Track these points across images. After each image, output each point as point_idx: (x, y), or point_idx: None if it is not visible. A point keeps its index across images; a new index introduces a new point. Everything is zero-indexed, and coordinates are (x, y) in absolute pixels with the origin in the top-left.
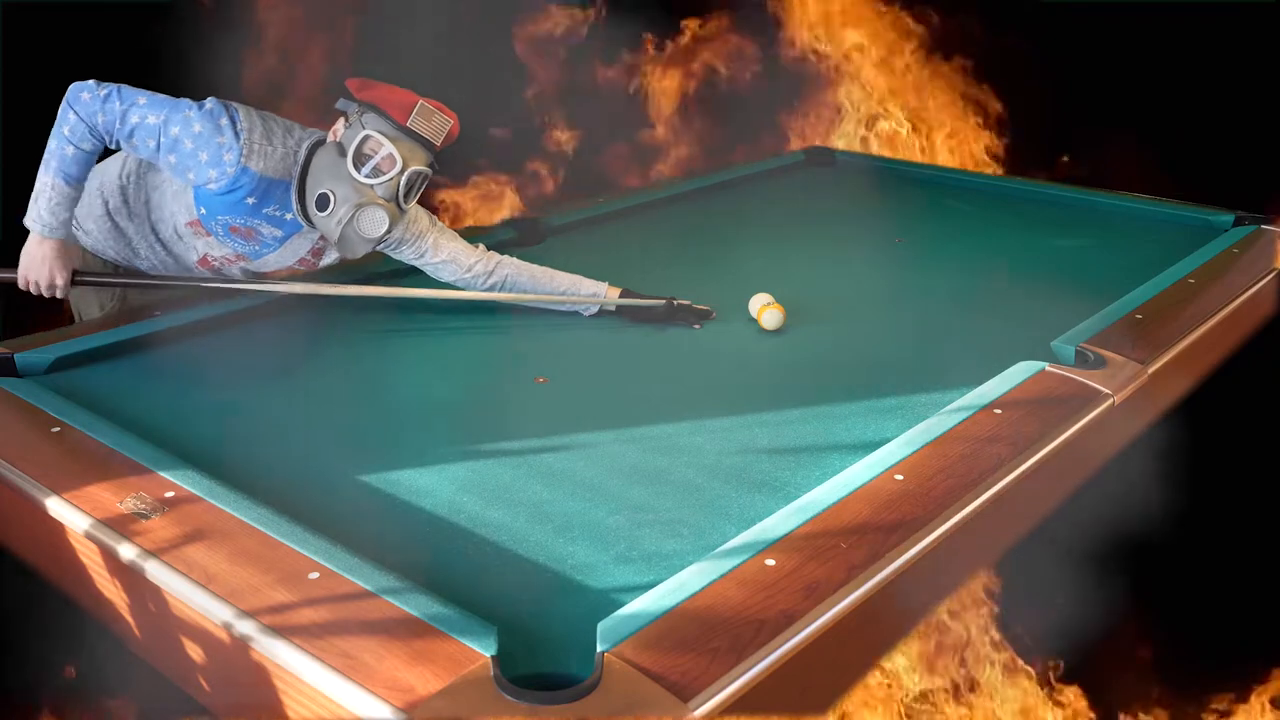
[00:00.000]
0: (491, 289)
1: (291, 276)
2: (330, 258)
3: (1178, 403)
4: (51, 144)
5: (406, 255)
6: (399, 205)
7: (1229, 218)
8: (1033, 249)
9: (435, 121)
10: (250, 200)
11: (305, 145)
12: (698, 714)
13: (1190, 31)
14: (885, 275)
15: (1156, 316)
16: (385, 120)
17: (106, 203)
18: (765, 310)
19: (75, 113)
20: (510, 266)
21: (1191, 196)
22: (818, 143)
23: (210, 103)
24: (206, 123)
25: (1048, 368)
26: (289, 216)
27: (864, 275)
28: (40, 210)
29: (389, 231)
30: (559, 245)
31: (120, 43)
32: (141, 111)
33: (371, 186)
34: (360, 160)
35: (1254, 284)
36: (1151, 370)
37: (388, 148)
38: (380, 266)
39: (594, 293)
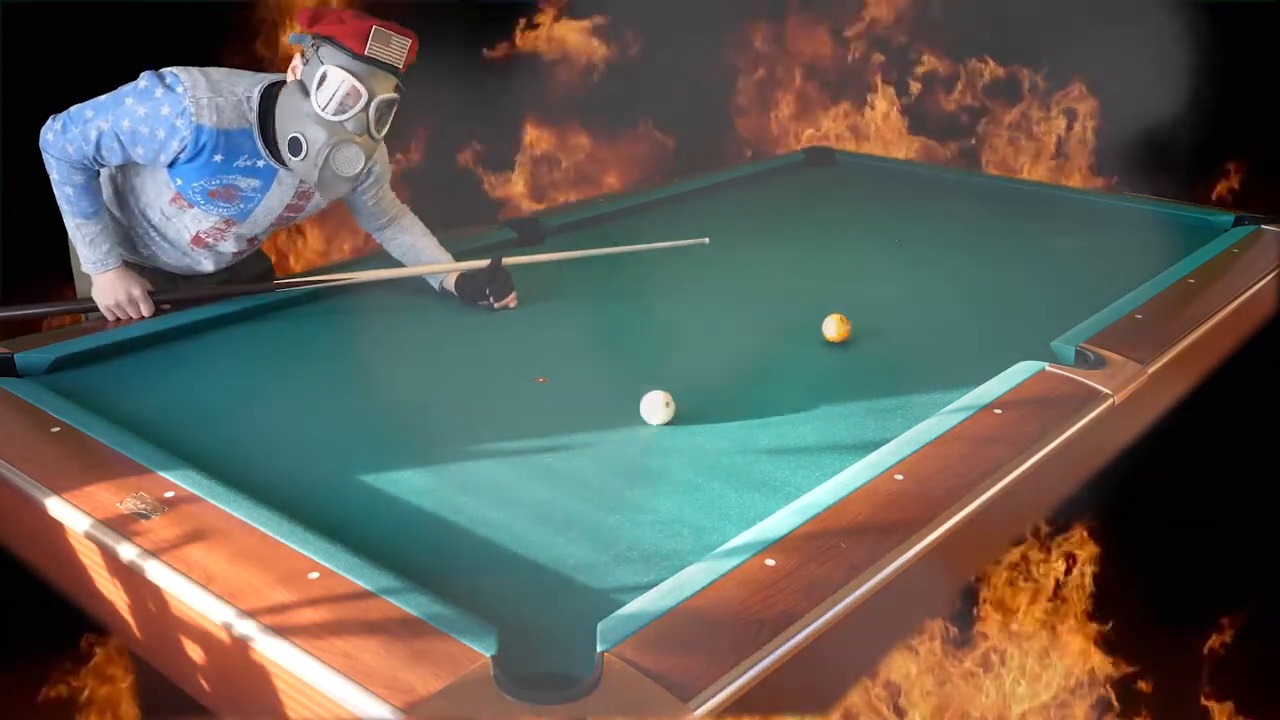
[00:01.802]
0: (381, 229)
1: (310, 272)
2: (316, 202)
3: (1178, 403)
4: (55, 194)
5: (366, 200)
6: (371, 136)
7: (1229, 218)
8: (1033, 249)
9: (394, 45)
10: (218, 158)
11: (257, 89)
12: (698, 714)
13: (1190, 31)
14: (885, 275)
15: (1156, 316)
16: (342, 52)
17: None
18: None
19: (50, 156)
20: (408, 219)
21: (1191, 196)
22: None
23: (143, 79)
24: (145, 101)
25: (1048, 368)
26: (261, 164)
27: (863, 275)
28: (84, 253)
29: (365, 165)
30: (559, 245)
31: (120, 42)
32: (95, 124)
33: (341, 123)
34: (324, 98)
35: (1254, 284)
36: (1151, 370)
37: (350, 81)
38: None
39: (445, 266)
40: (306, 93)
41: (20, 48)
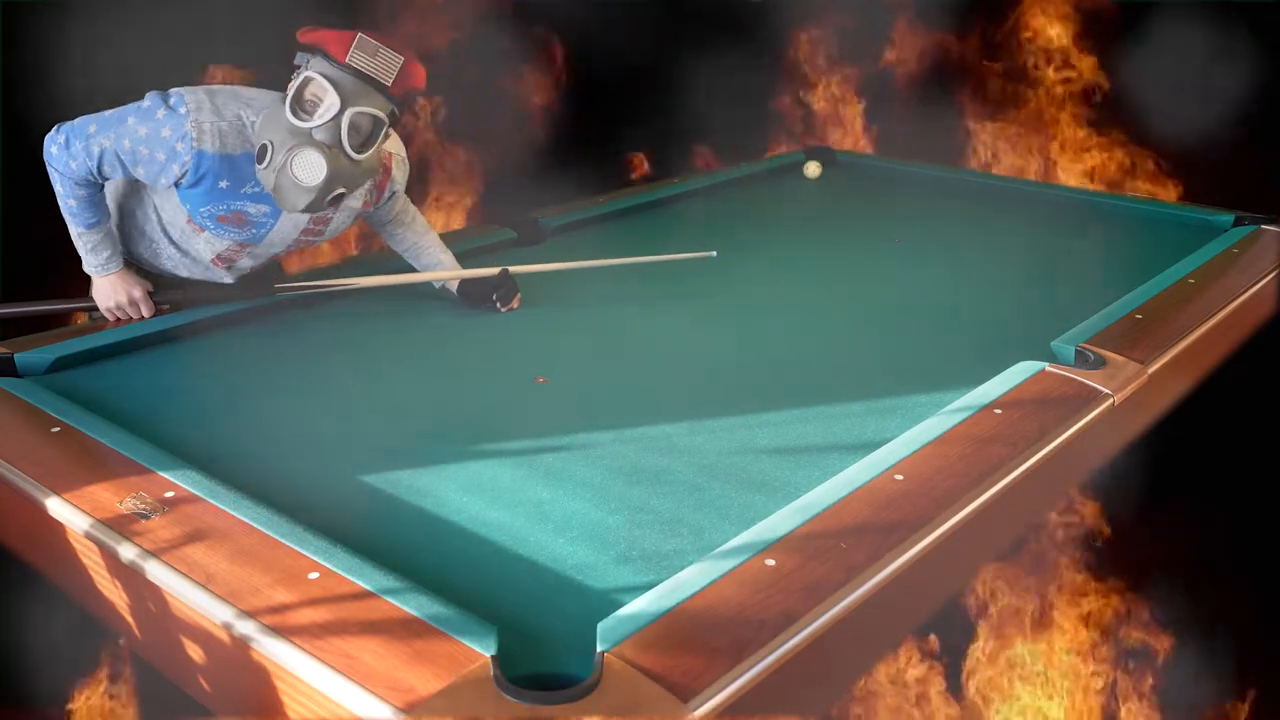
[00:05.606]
0: (383, 224)
1: (321, 272)
2: (337, 225)
3: (1178, 403)
4: (60, 205)
5: (384, 216)
6: (344, 150)
7: (1229, 218)
8: (1033, 249)
9: (380, 57)
10: (223, 184)
11: (264, 112)
12: (698, 714)
13: (1190, 30)
14: (885, 275)
15: (1156, 316)
16: (326, 60)
17: (120, 207)
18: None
19: (55, 170)
20: (416, 220)
21: (1191, 196)
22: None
23: (148, 98)
24: (147, 121)
25: (1048, 368)
26: None
27: (864, 275)
28: (85, 258)
29: (332, 181)
30: (560, 245)
31: (120, 41)
32: (97, 141)
33: (308, 130)
34: (301, 106)
35: (1254, 284)
36: (1151, 370)
37: (327, 89)
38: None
39: (451, 270)
40: (283, 101)
41: (20, 48)
